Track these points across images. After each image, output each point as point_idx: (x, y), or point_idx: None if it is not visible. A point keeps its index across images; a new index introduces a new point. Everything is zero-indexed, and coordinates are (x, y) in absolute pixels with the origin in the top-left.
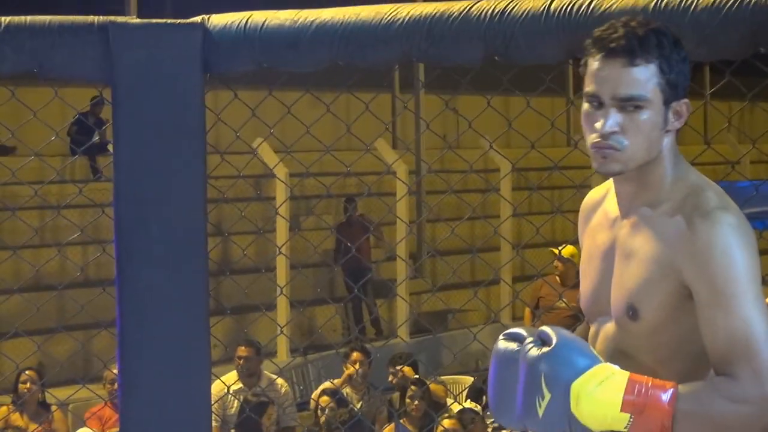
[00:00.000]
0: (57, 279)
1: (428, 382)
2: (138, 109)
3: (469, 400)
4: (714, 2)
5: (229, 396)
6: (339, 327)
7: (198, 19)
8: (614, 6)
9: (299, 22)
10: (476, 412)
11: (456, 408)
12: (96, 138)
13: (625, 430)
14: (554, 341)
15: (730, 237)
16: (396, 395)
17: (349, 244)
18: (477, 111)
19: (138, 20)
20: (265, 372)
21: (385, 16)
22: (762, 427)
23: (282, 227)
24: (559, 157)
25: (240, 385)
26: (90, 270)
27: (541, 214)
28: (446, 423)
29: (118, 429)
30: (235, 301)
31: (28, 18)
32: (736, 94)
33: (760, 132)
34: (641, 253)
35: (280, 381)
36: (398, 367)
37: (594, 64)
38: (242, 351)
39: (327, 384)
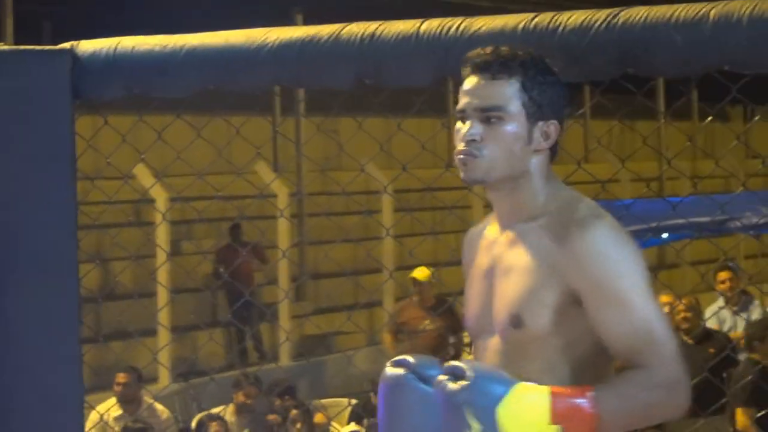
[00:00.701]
0: None
1: (309, 405)
2: (5, 135)
3: (353, 423)
4: (582, 24)
5: (110, 423)
6: (221, 352)
7: (67, 45)
8: (483, 28)
9: (168, 47)
10: None
11: (335, 431)
12: None
13: None
14: (470, 373)
15: (607, 239)
16: (275, 417)
17: (226, 268)
18: (359, 132)
19: (6, 47)
20: (145, 398)
21: (255, 41)
22: (678, 406)
23: (161, 252)
24: (441, 178)
25: (120, 411)
26: None
27: (423, 235)
28: None
29: None
30: (118, 327)
31: None
32: (615, 114)
33: (641, 151)
34: (520, 265)
35: (159, 407)
36: (275, 396)
37: (463, 82)
38: (121, 377)
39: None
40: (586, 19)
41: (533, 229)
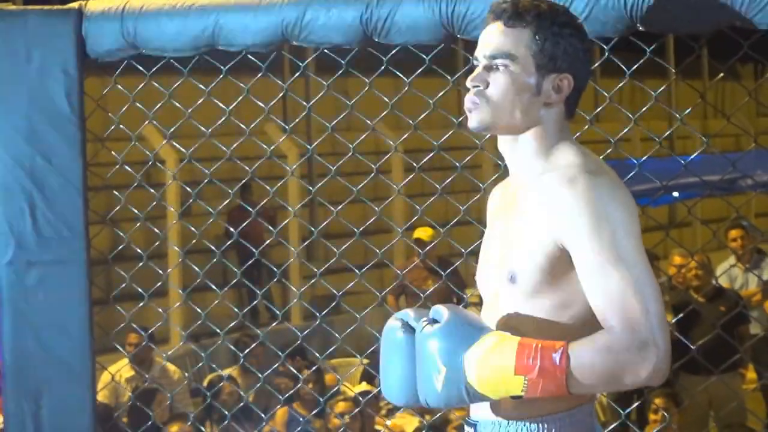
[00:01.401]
0: None
1: (320, 365)
2: (14, 95)
3: (364, 383)
4: None
5: (122, 384)
6: (233, 313)
7: (75, 4)
8: None
9: (177, 6)
10: (371, 394)
11: (347, 390)
12: None
13: (522, 393)
14: (444, 317)
15: (602, 196)
16: (287, 380)
17: (236, 229)
18: (368, 92)
19: (14, 7)
20: (157, 359)
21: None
22: (649, 371)
23: (171, 213)
24: (451, 139)
25: (132, 372)
26: None
27: (433, 196)
28: (341, 406)
29: None
30: (128, 288)
31: None
32: (625, 72)
33: (653, 109)
34: (521, 221)
35: (172, 367)
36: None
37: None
38: (133, 338)
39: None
40: None
41: (538, 186)
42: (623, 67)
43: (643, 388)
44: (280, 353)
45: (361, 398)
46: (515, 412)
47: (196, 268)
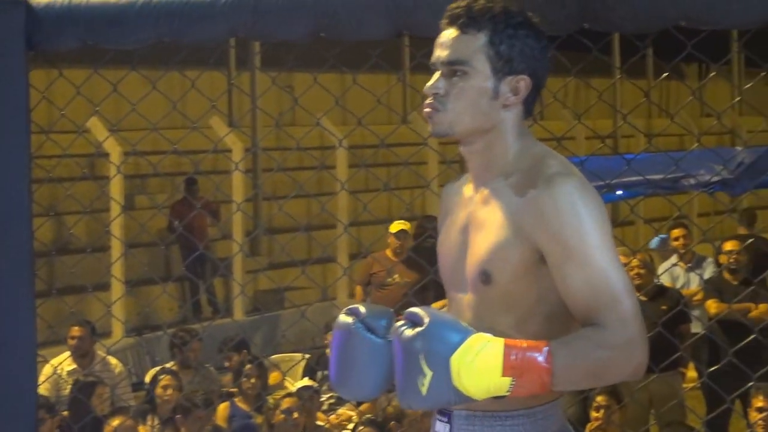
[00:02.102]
0: None
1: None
2: None
3: (307, 378)
4: None
5: (63, 376)
6: (175, 306)
7: None
8: None
9: None
10: (313, 389)
11: (291, 386)
12: None
13: (508, 393)
14: (426, 320)
15: (574, 196)
16: (230, 375)
17: (180, 222)
18: (315, 88)
19: None
20: (99, 352)
21: None
22: (634, 367)
23: (115, 206)
24: (396, 134)
25: (73, 365)
26: None
27: (377, 191)
28: (286, 402)
29: None
30: (73, 281)
31: None
32: (570, 70)
33: (599, 108)
34: (492, 221)
35: (113, 361)
36: (230, 353)
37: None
38: (75, 331)
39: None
40: None
41: (505, 186)
42: (569, 66)
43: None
44: (220, 348)
45: (304, 393)
46: (493, 405)
47: (138, 262)
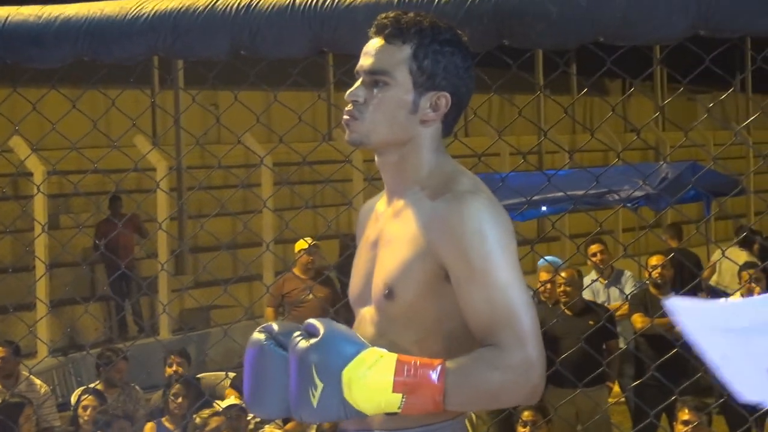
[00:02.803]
0: None
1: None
2: None
3: (233, 396)
4: None
5: None
6: (101, 326)
7: None
8: (359, 0)
9: (43, 17)
10: (240, 407)
11: (218, 405)
12: None
13: (399, 410)
14: (321, 332)
15: (480, 215)
16: (158, 393)
17: (103, 241)
18: (239, 106)
19: None
20: (23, 372)
21: (130, 11)
22: (529, 389)
23: (38, 226)
24: (321, 152)
25: None
26: None
27: (302, 209)
28: (214, 421)
29: None
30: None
31: None
32: (493, 86)
33: (520, 124)
34: (400, 236)
35: (38, 381)
36: (174, 360)
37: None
38: None
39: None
40: None
41: (414, 202)
42: (491, 82)
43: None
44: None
45: (230, 412)
46: (389, 423)
47: (63, 282)
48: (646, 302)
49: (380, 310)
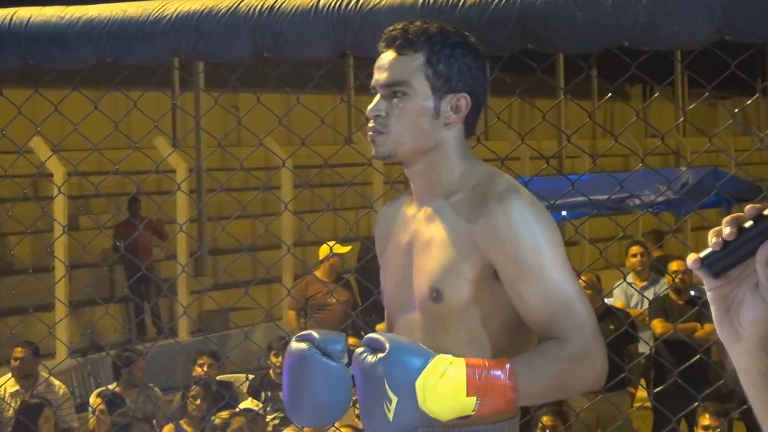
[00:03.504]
0: None
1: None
2: None
3: (250, 398)
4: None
5: (6, 398)
6: (120, 327)
7: None
8: (382, 3)
9: (65, 18)
10: (257, 411)
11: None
12: None
13: (473, 412)
14: (387, 346)
15: (525, 213)
16: (178, 396)
17: (123, 243)
18: (260, 108)
19: None
20: (42, 373)
21: (153, 13)
22: (595, 377)
23: (58, 226)
24: (341, 154)
25: (16, 386)
26: None
27: (322, 211)
28: (237, 421)
29: None
30: (14, 302)
31: None
32: (515, 90)
33: (541, 129)
34: (439, 239)
35: (57, 382)
36: (205, 362)
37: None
38: (18, 352)
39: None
40: None
41: (452, 205)
42: (513, 86)
43: (529, 406)
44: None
45: (248, 414)
46: (459, 421)
47: (83, 283)
48: (666, 307)
49: (427, 314)
